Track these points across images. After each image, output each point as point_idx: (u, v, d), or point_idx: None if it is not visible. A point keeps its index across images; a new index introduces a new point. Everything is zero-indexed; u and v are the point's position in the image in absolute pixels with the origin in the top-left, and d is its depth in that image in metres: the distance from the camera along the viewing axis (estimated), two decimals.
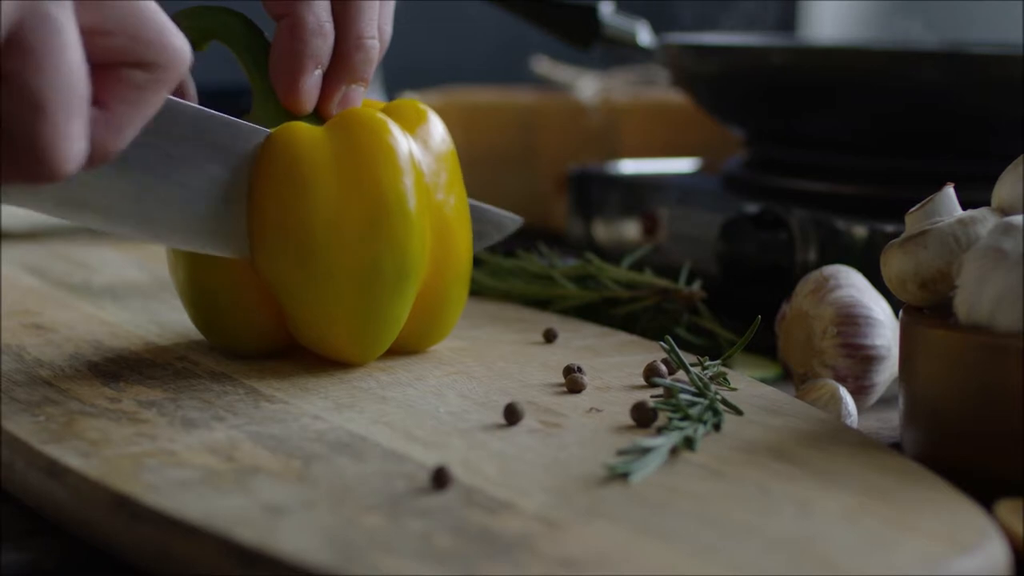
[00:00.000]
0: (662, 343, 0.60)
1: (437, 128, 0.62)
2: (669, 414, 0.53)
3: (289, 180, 0.58)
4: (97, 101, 0.48)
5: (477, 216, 0.69)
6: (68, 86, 0.45)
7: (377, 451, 0.50)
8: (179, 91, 0.60)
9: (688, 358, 0.61)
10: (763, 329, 0.70)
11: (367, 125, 0.59)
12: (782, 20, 1.82)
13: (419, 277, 0.60)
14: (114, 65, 0.48)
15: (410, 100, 0.63)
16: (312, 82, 0.61)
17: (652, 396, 0.56)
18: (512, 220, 0.72)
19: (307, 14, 0.60)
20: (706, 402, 0.54)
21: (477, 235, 0.70)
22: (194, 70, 0.62)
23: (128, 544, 0.45)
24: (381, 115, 0.60)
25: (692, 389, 0.55)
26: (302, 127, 0.59)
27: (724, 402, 0.55)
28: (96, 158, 0.49)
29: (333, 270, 0.58)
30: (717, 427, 0.53)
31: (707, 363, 0.60)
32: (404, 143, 0.59)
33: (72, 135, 0.45)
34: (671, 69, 0.89)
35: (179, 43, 0.50)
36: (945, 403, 0.52)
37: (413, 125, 0.61)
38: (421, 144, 0.61)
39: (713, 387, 0.56)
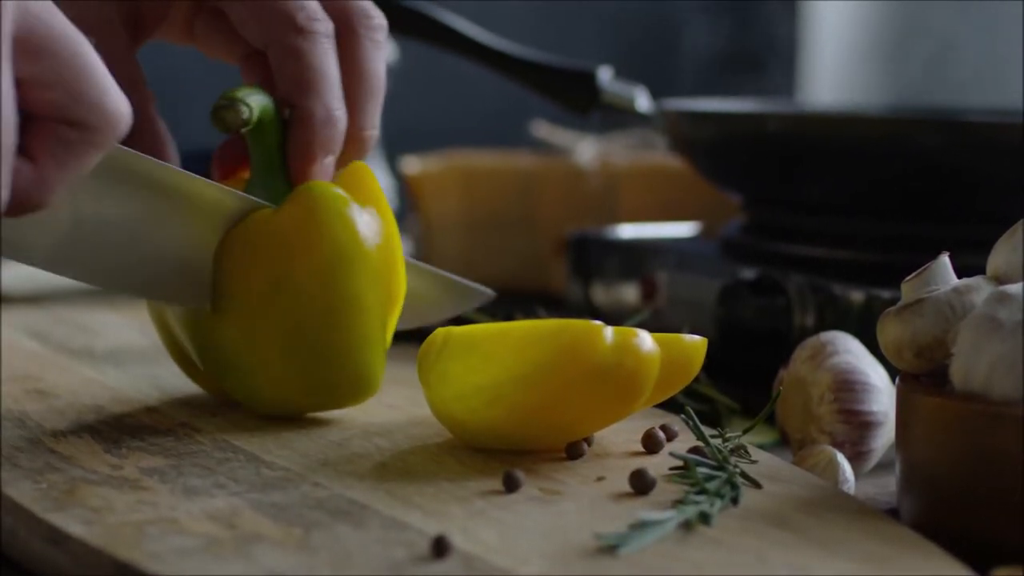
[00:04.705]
0: (682, 416, 0.59)
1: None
2: (686, 488, 0.53)
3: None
4: (26, 152, 0.48)
5: (444, 286, 0.71)
6: None
7: (377, 519, 0.50)
8: (159, 151, 0.60)
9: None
10: (760, 395, 0.70)
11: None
12: (780, 85, 1.83)
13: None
14: (48, 119, 0.48)
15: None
16: (323, 169, 0.62)
17: (670, 469, 0.56)
18: (482, 292, 0.72)
19: (316, 107, 0.61)
20: (725, 476, 0.54)
21: (440, 304, 0.71)
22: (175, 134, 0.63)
23: None
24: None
25: (711, 462, 0.55)
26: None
27: (743, 475, 0.55)
28: (18, 208, 0.48)
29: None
30: (735, 501, 0.52)
31: (728, 435, 0.59)
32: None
33: None
34: (669, 134, 0.90)
35: (117, 107, 0.49)
36: (941, 470, 0.52)
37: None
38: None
39: (732, 459, 0.56)
